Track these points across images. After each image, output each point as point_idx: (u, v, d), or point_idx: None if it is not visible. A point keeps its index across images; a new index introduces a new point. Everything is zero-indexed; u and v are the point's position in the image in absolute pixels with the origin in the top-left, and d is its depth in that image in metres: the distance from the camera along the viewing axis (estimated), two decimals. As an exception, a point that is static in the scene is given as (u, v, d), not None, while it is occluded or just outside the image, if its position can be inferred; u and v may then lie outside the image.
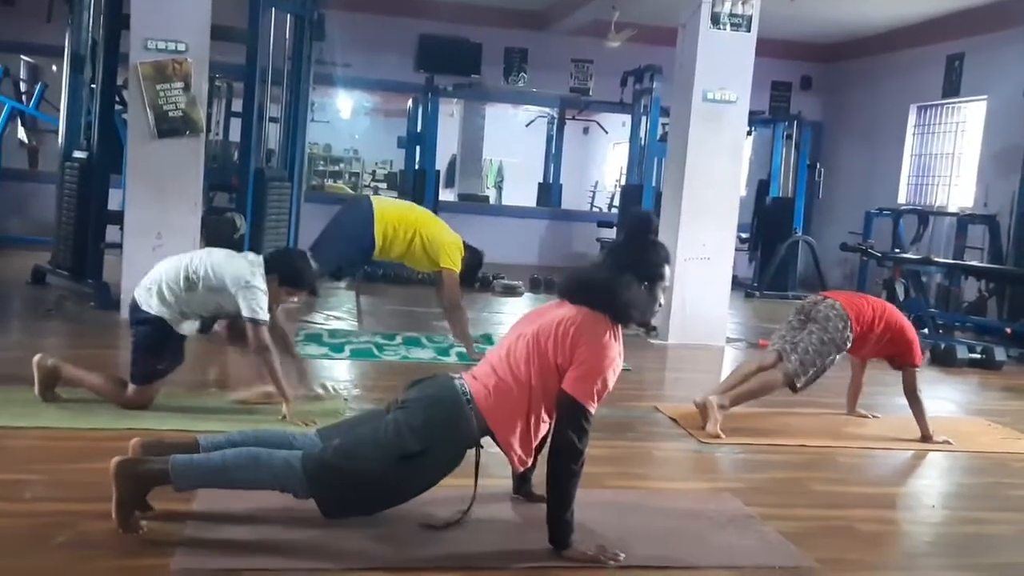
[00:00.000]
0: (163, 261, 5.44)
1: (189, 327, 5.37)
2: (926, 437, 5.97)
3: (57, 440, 4.77)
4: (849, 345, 5.98)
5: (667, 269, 3.91)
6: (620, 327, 3.78)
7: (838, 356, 5.99)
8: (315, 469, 3.60)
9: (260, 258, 5.46)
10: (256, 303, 5.17)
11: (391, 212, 7.71)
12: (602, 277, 3.84)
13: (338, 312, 9.44)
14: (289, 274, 5.44)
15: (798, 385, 5.91)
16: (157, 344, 5.28)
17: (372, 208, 7.72)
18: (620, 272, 3.80)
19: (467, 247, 7.87)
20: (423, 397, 3.74)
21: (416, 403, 3.72)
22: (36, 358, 5.32)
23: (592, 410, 3.66)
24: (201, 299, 5.28)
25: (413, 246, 7.62)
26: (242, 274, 5.24)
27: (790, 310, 6.41)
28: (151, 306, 5.25)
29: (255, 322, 5.17)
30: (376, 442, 3.64)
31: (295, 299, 5.89)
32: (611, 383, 3.72)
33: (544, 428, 3.81)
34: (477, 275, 8.10)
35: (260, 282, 5.25)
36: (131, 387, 5.31)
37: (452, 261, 7.62)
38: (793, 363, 5.91)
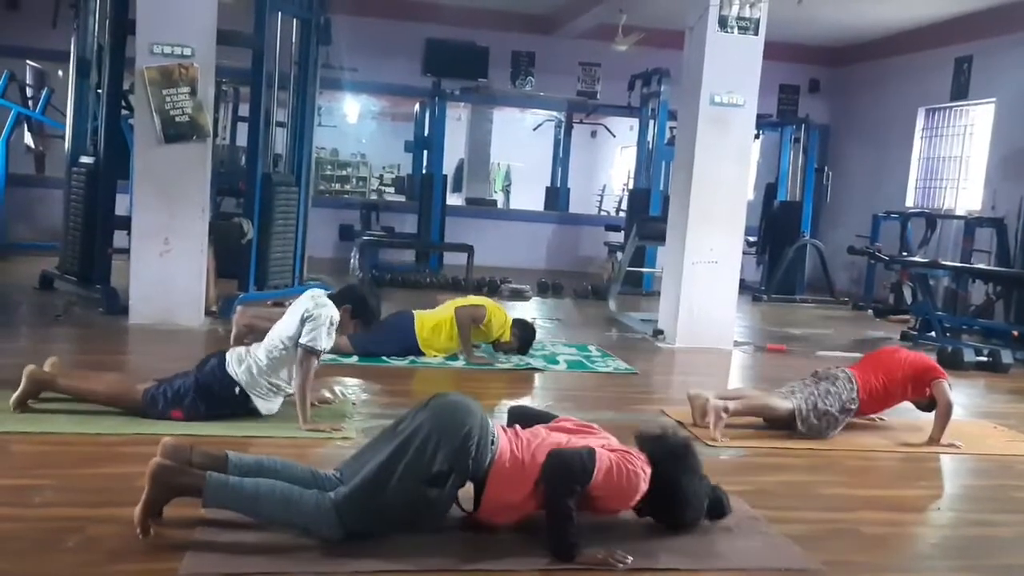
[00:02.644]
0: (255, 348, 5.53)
1: (268, 405, 5.45)
2: (934, 440, 5.97)
3: (66, 445, 4.78)
4: (855, 406, 6.02)
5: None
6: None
7: (841, 416, 5.97)
8: (346, 507, 3.62)
9: (321, 291, 5.61)
10: (316, 334, 5.29)
11: (429, 319, 7.80)
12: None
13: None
14: (360, 306, 5.63)
15: (799, 424, 5.90)
16: (212, 400, 5.34)
17: (413, 318, 7.82)
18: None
19: (517, 322, 8.05)
20: (449, 411, 3.76)
21: (439, 416, 3.73)
22: (29, 368, 5.26)
23: (592, 472, 3.73)
24: (280, 362, 5.41)
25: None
26: (305, 307, 5.38)
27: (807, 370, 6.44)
28: (236, 372, 5.36)
29: (310, 351, 5.28)
30: (403, 467, 3.64)
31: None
32: (617, 481, 3.81)
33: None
34: (531, 347, 8.12)
35: (324, 312, 5.34)
36: (141, 396, 5.30)
37: (477, 312, 7.73)
38: (798, 399, 5.94)
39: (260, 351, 5.42)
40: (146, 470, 3.60)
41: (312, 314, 5.31)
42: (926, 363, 6.23)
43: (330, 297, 5.54)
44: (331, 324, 5.35)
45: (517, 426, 4.03)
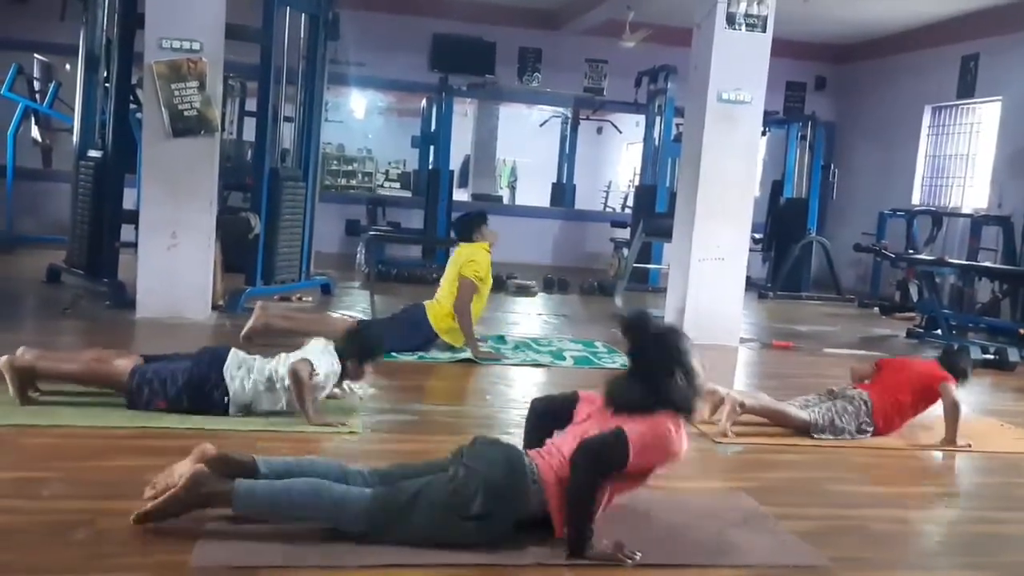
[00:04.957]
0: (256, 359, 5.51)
1: (235, 409, 5.41)
2: (949, 442, 5.93)
3: (74, 438, 4.79)
4: (871, 429, 5.96)
5: (686, 354, 3.89)
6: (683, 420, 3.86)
7: (857, 436, 5.92)
8: (382, 503, 3.63)
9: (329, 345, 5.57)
10: (311, 357, 5.32)
11: (440, 307, 7.75)
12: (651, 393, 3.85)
13: (353, 311, 9.45)
14: (364, 350, 5.64)
15: (814, 432, 5.87)
16: (198, 397, 5.30)
17: (424, 310, 7.79)
18: (655, 379, 3.84)
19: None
20: (492, 468, 3.73)
21: (485, 473, 3.71)
22: (3, 360, 5.21)
23: (628, 457, 3.69)
24: (276, 398, 5.39)
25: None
26: (303, 353, 5.43)
27: (811, 390, 6.37)
28: (231, 377, 5.33)
29: (305, 361, 5.29)
30: (443, 496, 3.65)
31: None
32: (656, 465, 3.81)
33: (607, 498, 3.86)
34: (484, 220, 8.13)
35: (316, 356, 5.37)
36: (127, 378, 5.25)
37: (470, 271, 7.64)
38: (815, 413, 5.89)
39: (264, 375, 5.36)
40: (186, 472, 3.60)
41: (306, 356, 5.35)
42: (931, 373, 6.16)
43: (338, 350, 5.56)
44: (322, 361, 5.37)
45: (539, 449, 3.98)
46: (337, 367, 5.46)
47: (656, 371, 3.84)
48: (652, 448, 3.73)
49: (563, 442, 3.90)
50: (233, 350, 5.49)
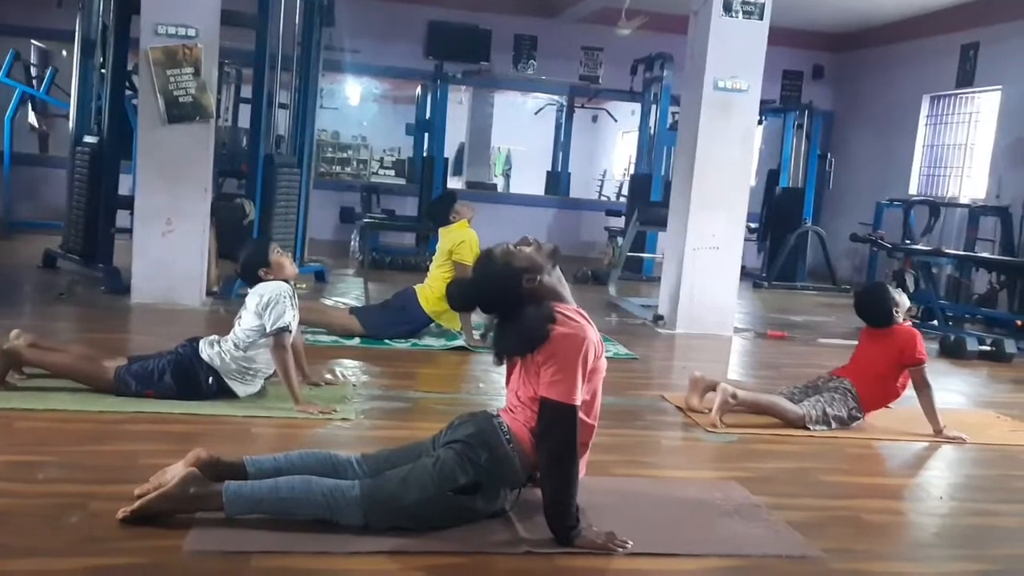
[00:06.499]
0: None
1: (246, 388, 5.45)
2: (937, 431, 5.92)
3: (68, 422, 4.78)
4: (861, 415, 5.98)
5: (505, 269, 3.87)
6: (571, 312, 3.85)
7: (850, 423, 5.93)
8: (371, 493, 3.63)
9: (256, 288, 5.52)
10: (278, 313, 5.26)
11: (432, 291, 7.73)
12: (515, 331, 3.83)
13: (347, 299, 9.45)
14: (254, 255, 5.55)
15: (809, 424, 5.85)
16: (185, 380, 5.31)
17: (416, 294, 7.79)
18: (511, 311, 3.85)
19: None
20: (468, 439, 3.75)
21: (462, 446, 3.73)
22: None
23: (576, 404, 3.65)
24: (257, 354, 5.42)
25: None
26: (255, 301, 5.36)
27: (800, 380, 6.35)
28: (209, 356, 5.35)
29: (280, 331, 5.25)
30: (430, 477, 3.66)
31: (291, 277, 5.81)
32: (591, 361, 3.73)
33: (590, 431, 3.88)
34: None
35: (274, 292, 5.33)
36: (112, 377, 5.25)
37: (463, 255, 7.64)
38: (806, 406, 5.87)
39: (229, 343, 5.39)
40: (178, 473, 3.59)
41: (266, 299, 5.29)
42: (898, 354, 5.96)
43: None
44: (286, 296, 5.33)
45: (505, 407, 3.99)
46: (286, 292, 5.38)
47: (506, 305, 3.87)
48: (570, 359, 3.66)
49: (512, 388, 3.94)
50: (203, 338, 5.51)
